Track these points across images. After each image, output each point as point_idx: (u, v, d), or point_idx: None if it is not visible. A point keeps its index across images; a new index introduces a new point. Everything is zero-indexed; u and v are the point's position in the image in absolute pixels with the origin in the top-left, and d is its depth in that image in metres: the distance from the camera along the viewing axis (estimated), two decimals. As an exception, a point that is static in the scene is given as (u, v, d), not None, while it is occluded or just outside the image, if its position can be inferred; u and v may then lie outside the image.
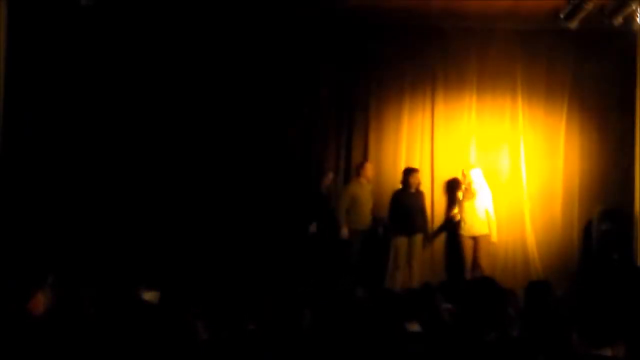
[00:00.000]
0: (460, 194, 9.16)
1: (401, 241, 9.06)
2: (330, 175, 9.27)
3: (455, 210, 9.24)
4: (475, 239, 9.00)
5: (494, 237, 9.03)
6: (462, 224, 9.05)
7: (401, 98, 9.67)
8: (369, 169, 9.15)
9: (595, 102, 9.39)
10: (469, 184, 8.99)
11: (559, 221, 9.39)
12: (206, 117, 9.14)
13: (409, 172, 9.10)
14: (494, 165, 9.44)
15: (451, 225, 9.30)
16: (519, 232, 9.40)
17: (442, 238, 9.49)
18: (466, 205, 9.02)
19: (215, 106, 9.14)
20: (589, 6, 7.66)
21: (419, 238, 9.14)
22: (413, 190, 9.05)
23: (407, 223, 9.01)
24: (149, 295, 4.94)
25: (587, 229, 9.22)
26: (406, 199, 9.03)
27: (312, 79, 9.41)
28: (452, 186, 9.38)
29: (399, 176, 9.37)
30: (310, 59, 9.38)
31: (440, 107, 9.66)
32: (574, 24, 8.23)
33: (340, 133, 9.68)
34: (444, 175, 9.63)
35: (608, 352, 3.24)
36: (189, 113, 9.08)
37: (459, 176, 9.18)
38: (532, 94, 9.53)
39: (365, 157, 9.56)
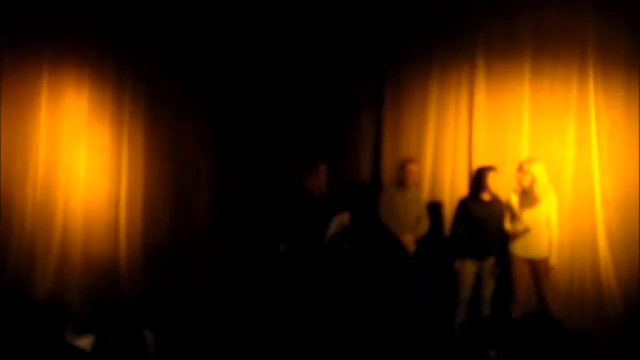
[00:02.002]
0: (514, 199, 7.30)
1: (468, 267, 7.38)
2: (323, 170, 7.67)
3: (507, 225, 7.35)
4: (532, 263, 7.24)
5: (554, 261, 7.27)
6: (518, 241, 7.26)
7: (428, 72, 8.16)
8: (414, 171, 7.66)
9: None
10: (532, 185, 7.16)
11: None
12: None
13: (484, 172, 7.38)
14: (555, 161, 7.77)
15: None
16: (590, 253, 7.75)
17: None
18: (526, 215, 7.21)
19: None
20: None
21: (490, 263, 7.44)
22: (488, 198, 7.35)
23: (478, 243, 7.34)
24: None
25: None
26: (478, 210, 7.33)
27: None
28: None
29: (427, 176, 8.10)
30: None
31: (482, 84, 8.03)
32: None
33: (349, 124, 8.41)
34: None
35: None
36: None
37: (516, 173, 7.33)
38: (609, 65, 7.73)
39: (377, 154, 8.27)
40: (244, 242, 8.27)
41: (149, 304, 7.18)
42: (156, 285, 7.79)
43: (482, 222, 7.28)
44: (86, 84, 7.44)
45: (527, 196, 7.20)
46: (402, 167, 7.66)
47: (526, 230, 7.19)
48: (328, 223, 7.57)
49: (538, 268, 7.19)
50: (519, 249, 7.22)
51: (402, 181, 7.64)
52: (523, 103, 7.86)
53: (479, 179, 7.36)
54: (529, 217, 7.19)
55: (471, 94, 7.99)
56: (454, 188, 7.92)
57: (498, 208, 7.34)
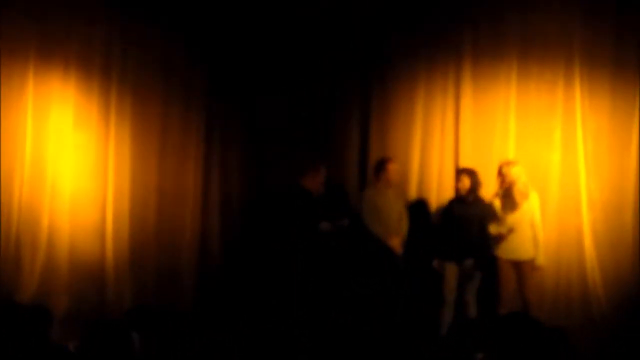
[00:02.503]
0: (497, 202, 7.29)
1: (449, 268, 7.35)
2: (323, 171, 7.63)
3: (494, 227, 7.30)
4: (517, 264, 7.22)
5: (540, 261, 7.24)
6: (502, 243, 7.23)
7: (415, 73, 8.11)
8: (394, 169, 7.58)
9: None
10: (511, 188, 7.16)
11: (630, 238, 7.60)
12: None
13: (459, 173, 7.46)
14: (541, 162, 7.75)
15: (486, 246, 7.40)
16: (576, 253, 7.69)
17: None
18: (509, 217, 7.19)
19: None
20: None
21: (471, 264, 7.37)
22: (470, 197, 7.33)
23: (458, 244, 7.28)
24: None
25: None
26: (459, 210, 7.32)
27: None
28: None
29: (414, 177, 8.04)
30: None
31: (468, 86, 7.97)
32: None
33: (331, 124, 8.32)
34: None
35: None
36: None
37: (496, 177, 7.35)
38: (594, 68, 7.69)
39: (364, 153, 8.14)
40: (237, 242, 8.23)
41: (136, 305, 7.09)
42: (143, 287, 7.74)
43: (462, 223, 7.25)
44: (72, 84, 7.35)
45: (508, 199, 7.19)
46: (382, 167, 7.56)
47: (510, 231, 7.16)
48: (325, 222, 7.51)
49: (522, 269, 7.16)
50: (503, 251, 7.19)
51: (383, 181, 7.53)
52: (509, 105, 7.81)
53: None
54: (511, 219, 7.17)
55: (458, 95, 7.94)
56: (440, 189, 7.84)
57: (479, 209, 7.30)
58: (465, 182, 7.26)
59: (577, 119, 7.67)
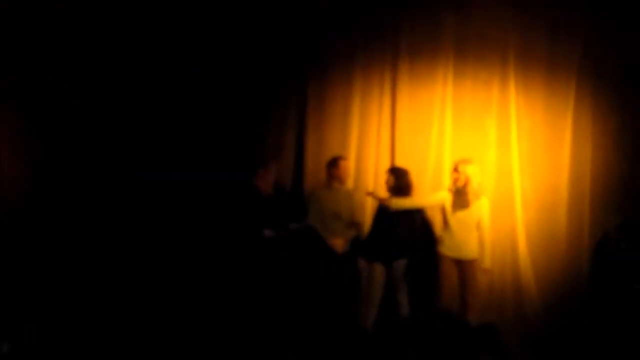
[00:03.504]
0: (447, 198, 7.20)
1: (377, 269, 7.25)
2: (274, 169, 7.44)
3: (416, 202, 7.25)
4: (460, 263, 7.14)
5: (487, 263, 7.15)
6: (447, 240, 7.17)
7: (351, 72, 7.93)
8: (347, 167, 7.46)
9: (614, 79, 7.60)
10: (466, 186, 7.08)
11: (564, 237, 7.67)
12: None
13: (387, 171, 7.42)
14: (477, 161, 7.43)
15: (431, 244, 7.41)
16: (509, 251, 7.69)
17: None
18: (457, 216, 7.11)
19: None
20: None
21: (402, 264, 7.29)
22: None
23: (386, 244, 7.20)
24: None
25: (600, 248, 7.57)
26: (386, 212, 7.20)
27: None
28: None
29: (350, 177, 7.76)
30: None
31: (404, 84, 7.86)
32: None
33: (267, 123, 8.07)
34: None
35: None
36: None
37: (451, 172, 7.24)
38: (529, 66, 7.69)
39: (300, 152, 7.98)
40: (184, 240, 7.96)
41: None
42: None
43: (391, 223, 7.17)
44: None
45: (460, 197, 7.11)
46: (334, 164, 7.40)
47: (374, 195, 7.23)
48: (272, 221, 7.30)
49: (465, 268, 7.09)
50: (446, 248, 7.12)
51: (334, 179, 7.38)
52: (445, 103, 7.73)
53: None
54: (460, 216, 7.10)
55: (394, 94, 7.82)
56: (376, 188, 7.68)
57: (408, 210, 7.19)
58: (390, 180, 7.21)
59: (512, 117, 7.65)
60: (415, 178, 7.45)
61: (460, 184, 7.06)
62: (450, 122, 7.71)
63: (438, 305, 7.07)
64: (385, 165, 7.69)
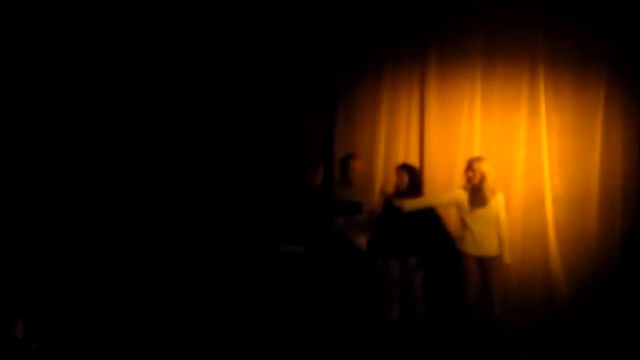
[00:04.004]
0: (464, 197, 7.18)
1: (392, 265, 7.24)
2: (321, 171, 7.45)
3: (432, 200, 7.28)
4: (482, 260, 7.07)
5: (507, 258, 7.10)
6: (468, 238, 7.10)
7: (381, 71, 7.90)
8: (357, 167, 7.52)
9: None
10: (482, 184, 7.05)
11: (595, 235, 7.63)
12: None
13: (399, 168, 7.43)
14: (506, 160, 7.67)
15: (449, 241, 7.37)
16: (540, 250, 7.63)
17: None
18: (476, 214, 7.06)
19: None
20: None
21: (415, 260, 7.28)
22: (413, 194, 7.28)
23: (402, 241, 7.20)
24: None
25: (631, 245, 7.52)
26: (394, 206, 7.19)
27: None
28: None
29: (377, 175, 7.87)
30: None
31: (433, 83, 7.85)
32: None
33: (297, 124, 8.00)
34: (437, 173, 7.79)
35: None
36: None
37: (465, 171, 7.22)
38: (559, 63, 7.67)
39: (330, 151, 7.80)
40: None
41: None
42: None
43: (405, 220, 7.15)
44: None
45: (477, 194, 7.08)
46: (344, 163, 7.46)
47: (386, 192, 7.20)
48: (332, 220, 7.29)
49: (487, 265, 7.04)
50: (467, 246, 7.07)
51: (344, 178, 7.45)
52: (474, 102, 7.71)
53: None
54: (477, 214, 7.06)
55: (423, 93, 7.80)
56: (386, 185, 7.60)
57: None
58: (404, 178, 7.23)
59: (542, 116, 7.61)
60: (444, 176, 7.55)
61: (475, 181, 7.04)
62: (479, 119, 7.67)
63: (463, 303, 7.03)
64: (415, 164, 7.63)
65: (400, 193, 7.19)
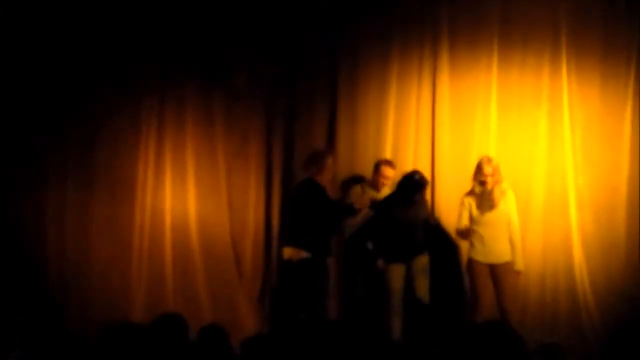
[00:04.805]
0: (471, 200, 7.08)
1: (396, 271, 7.11)
2: (330, 161, 7.28)
3: (464, 223, 7.07)
4: (493, 267, 7.01)
5: (520, 265, 7.07)
6: (477, 244, 7.01)
7: (387, 59, 7.70)
8: (388, 175, 7.37)
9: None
10: (494, 185, 6.93)
11: (623, 241, 7.49)
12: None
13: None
14: (525, 158, 7.59)
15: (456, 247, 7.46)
16: (563, 260, 7.50)
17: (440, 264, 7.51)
18: (487, 217, 6.96)
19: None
20: None
21: (421, 262, 7.18)
22: (416, 197, 7.18)
23: (402, 243, 7.10)
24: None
25: None
26: (408, 210, 7.13)
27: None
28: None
29: None
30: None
31: (445, 73, 7.69)
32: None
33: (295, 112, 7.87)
34: (449, 172, 7.65)
35: None
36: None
37: (474, 174, 7.12)
38: (584, 49, 7.54)
39: (330, 145, 7.75)
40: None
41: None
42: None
43: (409, 223, 7.09)
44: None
45: (486, 197, 6.99)
46: (376, 168, 7.37)
47: (467, 227, 6.97)
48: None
49: (498, 273, 6.97)
50: (478, 253, 6.99)
51: (374, 183, 7.34)
52: (490, 94, 7.59)
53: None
54: (488, 217, 6.97)
55: (434, 84, 7.68)
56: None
57: (425, 208, 7.21)
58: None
59: (564, 109, 7.52)
60: (457, 176, 7.44)
61: (490, 187, 6.94)
62: (496, 114, 7.59)
63: (476, 314, 6.96)
64: (426, 162, 7.59)
65: (392, 199, 7.05)
